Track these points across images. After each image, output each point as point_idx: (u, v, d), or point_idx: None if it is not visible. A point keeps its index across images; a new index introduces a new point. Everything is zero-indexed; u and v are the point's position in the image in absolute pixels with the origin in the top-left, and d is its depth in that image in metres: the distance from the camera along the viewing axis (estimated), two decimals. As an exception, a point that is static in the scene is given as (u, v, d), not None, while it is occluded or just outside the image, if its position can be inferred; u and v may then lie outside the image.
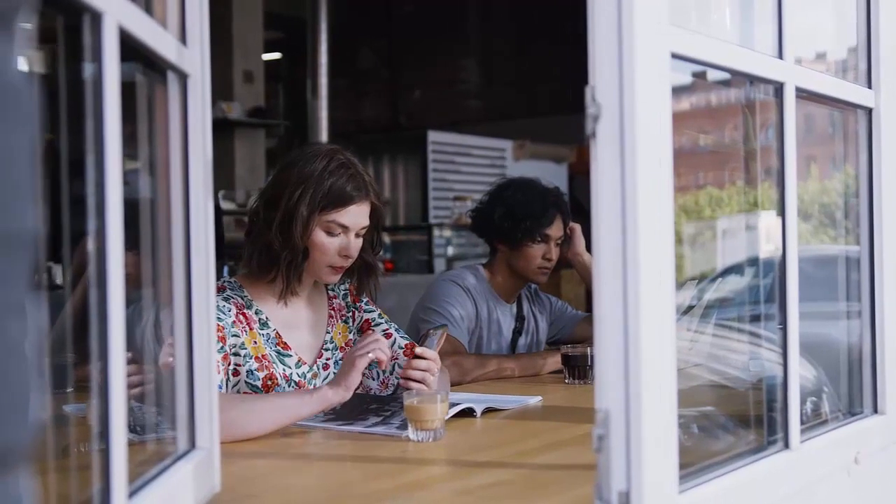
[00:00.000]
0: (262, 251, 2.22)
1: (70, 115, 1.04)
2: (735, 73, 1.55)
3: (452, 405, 2.05)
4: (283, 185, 2.21)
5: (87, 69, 1.02)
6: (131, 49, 1.12)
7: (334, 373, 2.30)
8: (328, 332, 2.36)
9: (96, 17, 1.01)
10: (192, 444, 1.39)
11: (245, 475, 1.66)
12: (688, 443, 1.42)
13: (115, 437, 1.03)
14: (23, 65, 0.63)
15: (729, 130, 2.12)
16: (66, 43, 1.04)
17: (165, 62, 1.29)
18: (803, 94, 1.60)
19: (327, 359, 2.34)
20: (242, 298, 2.24)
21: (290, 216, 2.17)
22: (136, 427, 1.34)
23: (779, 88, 1.55)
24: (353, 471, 1.70)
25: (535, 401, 2.37)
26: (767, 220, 1.92)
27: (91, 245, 1.01)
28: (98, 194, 1.01)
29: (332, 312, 2.39)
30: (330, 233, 2.21)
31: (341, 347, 2.36)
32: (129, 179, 1.09)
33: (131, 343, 1.08)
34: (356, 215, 2.22)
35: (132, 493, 1.11)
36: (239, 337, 2.16)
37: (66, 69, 1.06)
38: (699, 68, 1.43)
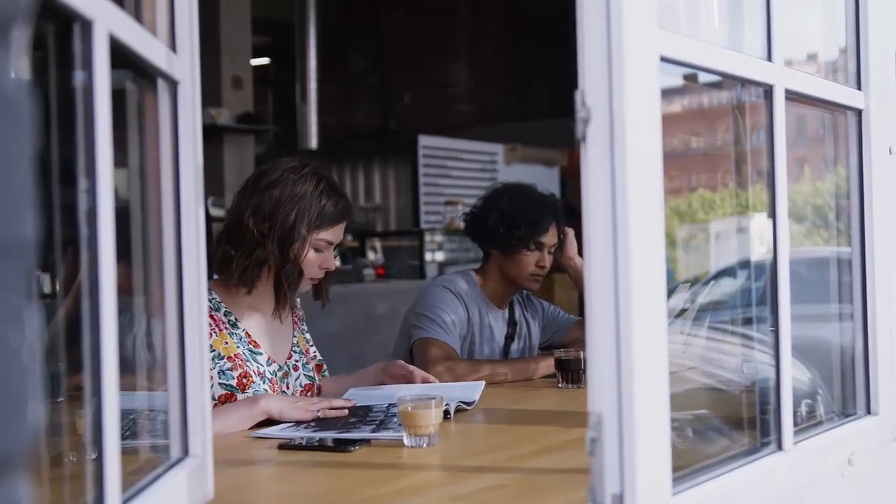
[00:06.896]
0: (255, 265, 2.28)
1: (59, 123, 1.04)
2: (724, 76, 1.56)
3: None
4: (274, 203, 2.26)
5: (78, 76, 1.02)
6: (120, 56, 1.12)
7: (304, 374, 2.44)
8: (294, 337, 2.47)
9: (86, 25, 1.01)
10: (185, 452, 1.39)
11: (238, 483, 1.65)
12: (681, 445, 1.42)
13: (109, 445, 1.02)
14: (20, 73, 0.64)
15: (721, 132, 2.12)
16: (55, 50, 1.04)
17: (155, 69, 1.29)
18: (793, 97, 1.61)
19: (296, 360, 2.44)
20: (210, 301, 2.27)
21: (289, 235, 2.26)
22: (126, 433, 1.34)
23: (768, 91, 1.55)
24: (348, 477, 1.69)
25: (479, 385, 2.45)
26: (760, 223, 1.93)
27: (83, 253, 1.00)
28: (90, 202, 1.01)
29: (296, 320, 2.51)
30: (317, 249, 2.32)
31: (304, 352, 2.48)
32: (118, 187, 1.09)
33: (123, 352, 1.08)
34: (341, 232, 2.37)
35: (125, 501, 1.10)
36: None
37: (56, 76, 1.06)
38: (690, 70, 1.44)
